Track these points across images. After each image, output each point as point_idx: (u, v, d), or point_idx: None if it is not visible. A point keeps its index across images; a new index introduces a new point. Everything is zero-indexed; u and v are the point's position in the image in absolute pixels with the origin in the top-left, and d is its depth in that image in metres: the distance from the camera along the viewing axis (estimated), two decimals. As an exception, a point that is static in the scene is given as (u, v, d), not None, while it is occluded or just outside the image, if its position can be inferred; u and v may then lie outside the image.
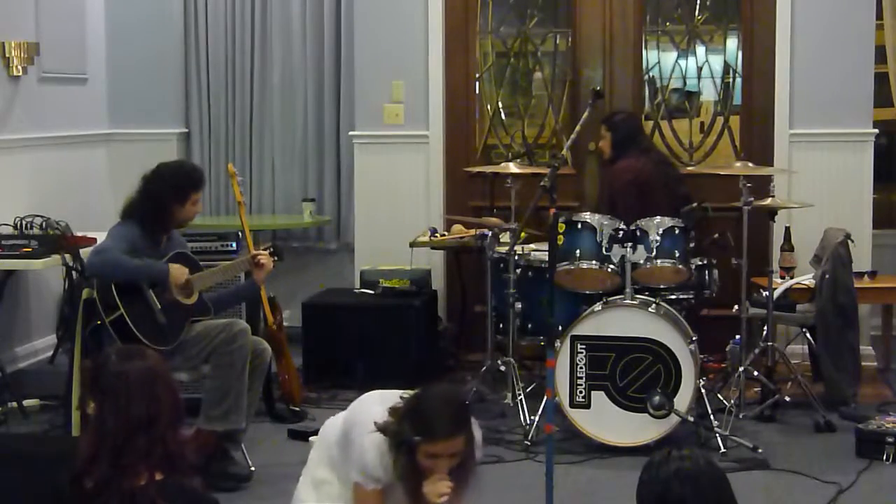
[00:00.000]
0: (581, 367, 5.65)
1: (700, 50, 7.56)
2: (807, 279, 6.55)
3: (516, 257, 6.12)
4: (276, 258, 5.64)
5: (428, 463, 3.53)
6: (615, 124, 6.69)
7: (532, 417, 5.79)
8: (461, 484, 3.60)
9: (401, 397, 3.69)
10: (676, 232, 5.79)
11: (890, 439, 5.47)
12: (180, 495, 2.83)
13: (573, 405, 5.67)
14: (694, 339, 5.70)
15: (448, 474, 3.55)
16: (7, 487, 3.52)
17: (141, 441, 2.80)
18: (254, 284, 5.63)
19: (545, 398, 4.57)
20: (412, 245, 6.90)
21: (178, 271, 5.19)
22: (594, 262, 5.77)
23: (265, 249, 5.62)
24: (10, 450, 4.05)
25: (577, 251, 5.76)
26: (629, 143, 6.62)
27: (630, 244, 5.76)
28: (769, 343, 6.21)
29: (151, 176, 5.31)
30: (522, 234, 6.28)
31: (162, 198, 5.23)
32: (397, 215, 7.46)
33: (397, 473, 3.59)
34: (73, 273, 6.36)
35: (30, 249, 6.19)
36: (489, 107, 7.79)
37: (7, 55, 6.79)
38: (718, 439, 5.59)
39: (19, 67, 6.89)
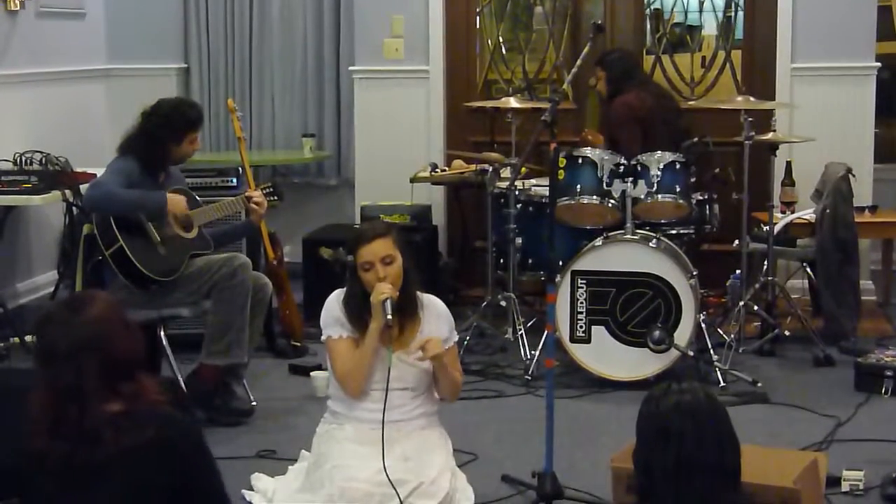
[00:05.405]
0: (581, 302, 5.66)
1: (702, -17, 7.51)
2: (807, 214, 6.54)
3: (517, 192, 6.12)
4: (276, 198, 5.62)
5: (368, 276, 3.94)
6: (609, 63, 6.64)
7: (532, 352, 5.81)
8: (404, 289, 3.99)
9: None
10: (677, 167, 5.78)
11: (889, 373, 5.49)
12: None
13: (573, 340, 5.68)
14: (694, 273, 5.71)
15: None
16: (9, 421, 3.53)
17: (73, 410, 2.70)
18: (252, 223, 5.62)
19: (546, 333, 4.58)
20: (412, 180, 6.87)
21: (176, 199, 5.18)
22: (595, 197, 5.76)
23: (265, 189, 5.61)
24: (12, 384, 4.05)
25: (578, 186, 5.75)
26: (625, 79, 6.57)
27: (631, 179, 5.75)
28: (769, 278, 6.22)
29: (150, 112, 5.28)
30: (523, 170, 6.26)
31: (159, 135, 5.20)
32: (398, 151, 7.44)
33: (349, 301, 4.03)
34: (74, 209, 6.36)
35: (30, 185, 6.18)
36: (490, 41, 7.74)
37: (4, -11, 6.76)
38: (718, 373, 5.62)
39: (17, 2, 6.84)
